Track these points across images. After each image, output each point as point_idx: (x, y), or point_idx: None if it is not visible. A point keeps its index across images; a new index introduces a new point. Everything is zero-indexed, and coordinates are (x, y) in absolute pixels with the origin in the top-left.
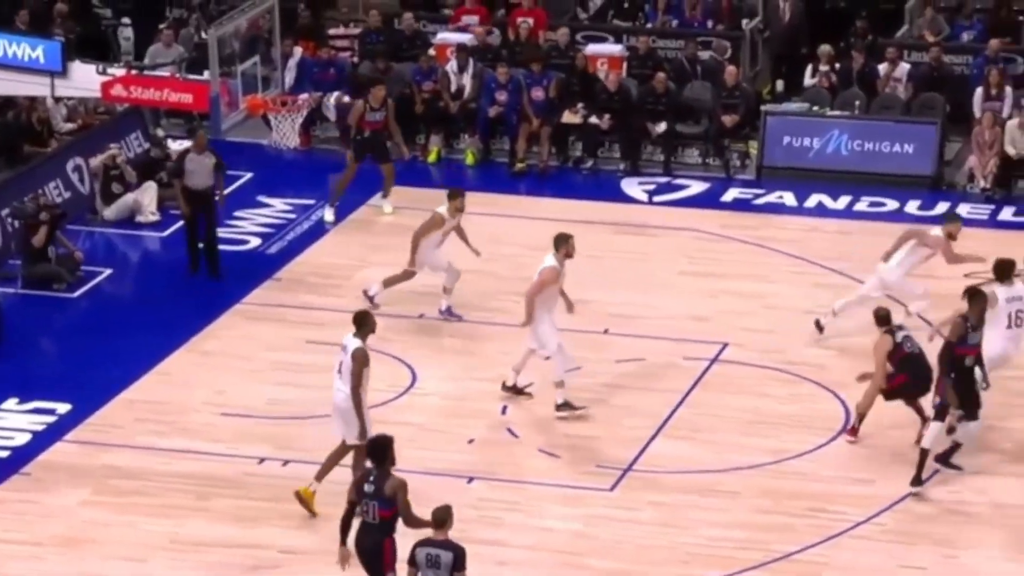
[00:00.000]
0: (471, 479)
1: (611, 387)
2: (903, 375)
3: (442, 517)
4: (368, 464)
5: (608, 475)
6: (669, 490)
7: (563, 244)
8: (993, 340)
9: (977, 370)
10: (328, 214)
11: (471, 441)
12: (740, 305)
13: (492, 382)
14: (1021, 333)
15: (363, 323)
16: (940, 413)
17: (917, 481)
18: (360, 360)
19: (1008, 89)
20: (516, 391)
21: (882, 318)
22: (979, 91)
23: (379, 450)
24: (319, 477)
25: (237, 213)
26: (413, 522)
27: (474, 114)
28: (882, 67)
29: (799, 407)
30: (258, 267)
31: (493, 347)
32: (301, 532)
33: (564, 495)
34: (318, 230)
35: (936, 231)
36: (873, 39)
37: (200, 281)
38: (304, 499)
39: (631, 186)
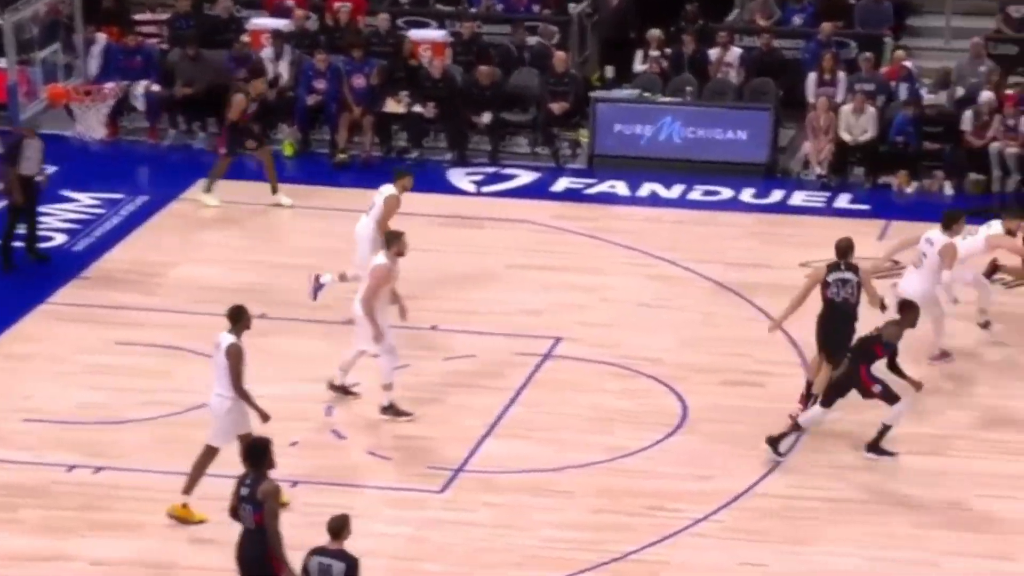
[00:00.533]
0: (295, 483)
1: (441, 385)
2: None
3: (337, 526)
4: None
5: (439, 476)
6: (503, 490)
7: (395, 242)
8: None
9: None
10: (209, 199)
11: (294, 443)
12: (574, 298)
13: (315, 382)
14: (919, 273)
15: (238, 318)
16: (890, 396)
17: (875, 448)
18: (234, 356)
19: (841, 74)
20: (343, 391)
21: (840, 249)
22: (812, 76)
23: (256, 452)
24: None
25: (40, 208)
26: (272, 534)
27: (292, 103)
28: (713, 52)
29: (635, 402)
30: (64, 265)
31: (316, 346)
32: (113, 542)
33: (394, 498)
34: (127, 225)
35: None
36: (704, 23)
37: (0, 281)
38: (181, 517)
39: (459, 177)
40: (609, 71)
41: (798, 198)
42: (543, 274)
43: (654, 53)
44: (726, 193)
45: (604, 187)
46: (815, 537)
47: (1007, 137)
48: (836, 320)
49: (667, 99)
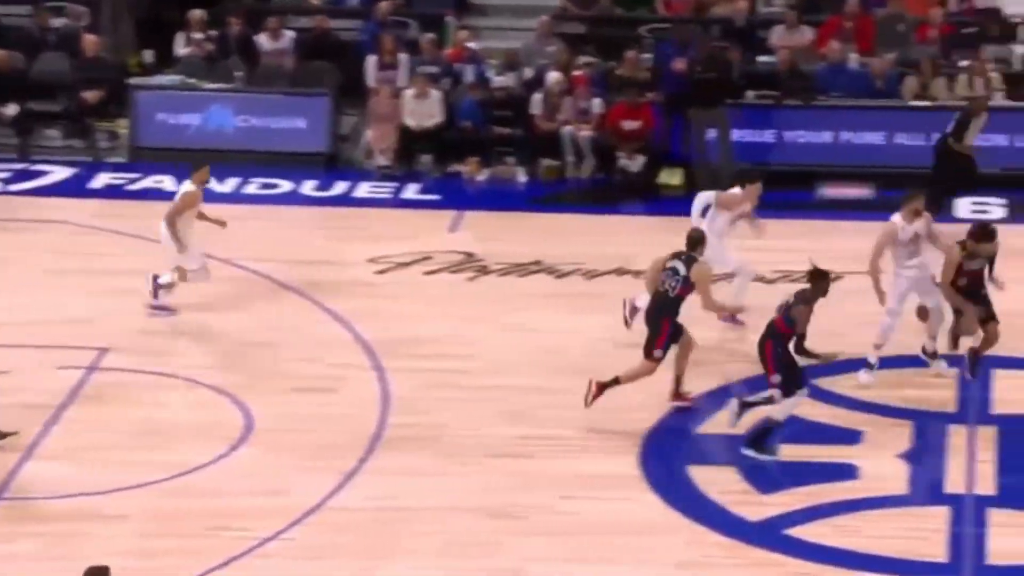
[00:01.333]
0: None
1: None
2: None
3: None
4: None
5: None
6: (47, 519)
7: None
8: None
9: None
10: None
11: None
12: (122, 304)
13: None
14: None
15: None
16: (788, 389)
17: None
18: None
19: (403, 56)
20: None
21: (688, 240)
22: (372, 59)
23: None
24: None
25: None
26: None
27: None
28: (263, 37)
29: (194, 415)
30: None
31: None
32: None
33: None
34: None
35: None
36: (251, 3)
37: None
38: None
39: None
40: (148, 55)
41: (363, 189)
42: (86, 279)
43: (197, 35)
44: (285, 186)
45: (149, 182)
46: (393, 550)
47: (579, 120)
48: (652, 308)
49: (214, 85)
